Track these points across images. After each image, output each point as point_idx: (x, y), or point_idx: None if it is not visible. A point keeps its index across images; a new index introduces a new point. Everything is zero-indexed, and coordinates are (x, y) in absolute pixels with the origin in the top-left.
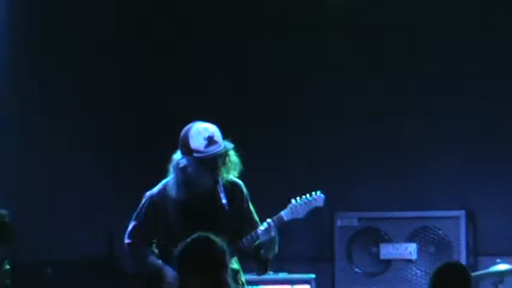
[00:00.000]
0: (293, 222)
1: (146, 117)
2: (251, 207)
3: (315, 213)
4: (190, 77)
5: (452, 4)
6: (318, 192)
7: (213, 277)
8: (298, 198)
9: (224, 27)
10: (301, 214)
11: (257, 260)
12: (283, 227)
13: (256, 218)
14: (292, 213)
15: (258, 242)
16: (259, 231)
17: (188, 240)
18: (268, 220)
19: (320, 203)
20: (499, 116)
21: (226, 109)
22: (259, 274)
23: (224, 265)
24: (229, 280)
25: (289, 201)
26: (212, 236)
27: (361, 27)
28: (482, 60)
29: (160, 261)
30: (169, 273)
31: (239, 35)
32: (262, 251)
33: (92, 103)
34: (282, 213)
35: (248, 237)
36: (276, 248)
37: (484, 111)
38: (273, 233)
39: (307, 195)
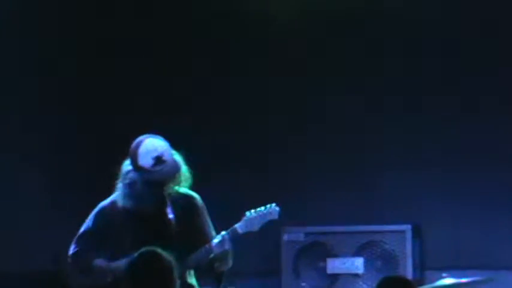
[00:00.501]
0: (247, 235)
1: (91, 136)
2: (207, 219)
3: (261, 228)
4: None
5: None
6: (273, 205)
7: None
8: (252, 211)
9: (172, 27)
10: (256, 227)
11: (211, 274)
12: (242, 238)
13: (212, 230)
14: (246, 226)
15: (212, 255)
16: (213, 244)
17: (135, 255)
18: (223, 233)
19: (275, 216)
20: (441, 130)
21: (188, 109)
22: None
23: (171, 280)
24: None
25: (244, 214)
26: (159, 251)
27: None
28: (424, 79)
29: (106, 262)
30: (119, 268)
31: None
32: (216, 264)
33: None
34: (237, 226)
35: (202, 250)
36: (230, 261)
37: (428, 126)
38: (226, 246)
39: (262, 208)
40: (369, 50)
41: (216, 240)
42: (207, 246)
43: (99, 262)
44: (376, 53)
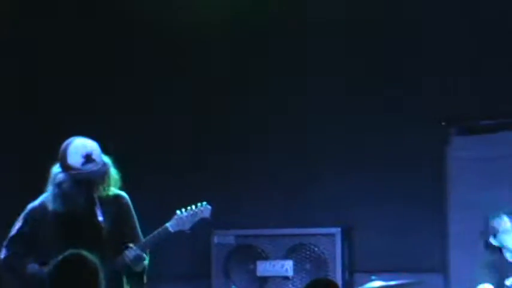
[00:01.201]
0: (179, 234)
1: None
2: (135, 220)
3: (193, 227)
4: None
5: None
6: (204, 203)
7: None
8: (183, 209)
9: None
10: (187, 225)
11: (131, 276)
12: (162, 244)
13: (139, 232)
14: (178, 224)
15: (128, 257)
16: (131, 254)
17: (59, 258)
18: (131, 245)
19: (206, 214)
20: (370, 134)
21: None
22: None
23: (96, 283)
24: None
25: (175, 213)
26: (84, 253)
27: None
28: (366, 79)
29: (38, 267)
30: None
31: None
32: (133, 267)
33: None
34: (168, 224)
35: (128, 252)
36: (143, 261)
37: (360, 130)
38: (138, 252)
39: (193, 206)
40: (310, 52)
41: (130, 249)
42: (132, 247)
43: (32, 267)
44: (317, 55)
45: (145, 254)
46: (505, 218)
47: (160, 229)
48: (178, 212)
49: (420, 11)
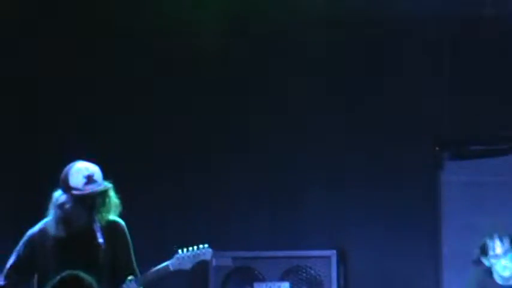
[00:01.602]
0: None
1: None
2: (130, 248)
3: (193, 267)
4: None
5: None
6: (206, 246)
7: None
8: (185, 249)
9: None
10: (188, 266)
11: None
12: (160, 282)
13: (134, 263)
14: (179, 264)
15: None
16: (127, 282)
17: (56, 278)
18: (131, 278)
19: (207, 257)
20: (365, 158)
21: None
22: None
23: None
24: None
25: (176, 252)
26: (81, 274)
27: None
28: (346, 99)
29: None
30: None
31: None
32: None
33: None
34: (169, 263)
35: (126, 284)
36: None
37: (352, 152)
38: (134, 286)
39: (195, 248)
40: (291, 69)
41: (129, 279)
42: (130, 280)
43: None
44: (298, 72)
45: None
46: (498, 243)
47: (160, 267)
48: (180, 251)
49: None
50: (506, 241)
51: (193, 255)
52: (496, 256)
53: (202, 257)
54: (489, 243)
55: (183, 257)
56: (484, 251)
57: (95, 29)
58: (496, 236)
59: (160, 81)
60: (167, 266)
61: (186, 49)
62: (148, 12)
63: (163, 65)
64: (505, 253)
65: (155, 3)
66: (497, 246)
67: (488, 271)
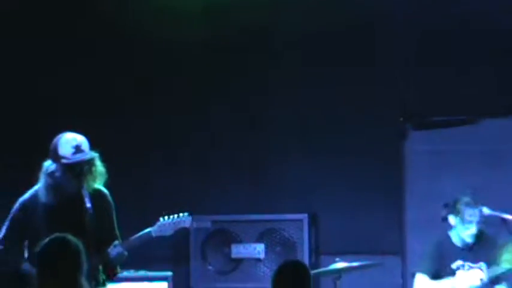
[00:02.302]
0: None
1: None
2: (113, 216)
3: (174, 233)
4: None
5: None
6: (186, 214)
7: (67, 275)
8: (166, 217)
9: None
10: (168, 232)
11: (106, 270)
12: (142, 246)
13: (115, 226)
14: (160, 230)
15: (111, 255)
16: (112, 246)
17: (45, 241)
18: (116, 242)
19: (187, 224)
20: (335, 129)
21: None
22: (107, 279)
23: (78, 264)
24: (83, 280)
25: (158, 219)
26: (68, 237)
27: None
28: (332, 76)
29: (28, 266)
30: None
31: None
32: (111, 264)
33: None
34: (151, 229)
35: (110, 250)
36: (123, 259)
37: (324, 123)
38: (121, 250)
39: (176, 216)
40: (272, 51)
41: (115, 243)
42: (116, 247)
43: (25, 265)
44: (279, 53)
45: (126, 252)
46: (466, 199)
47: (143, 233)
48: (161, 219)
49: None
50: (475, 203)
51: (174, 223)
52: (467, 216)
53: (182, 225)
54: (462, 204)
55: (164, 224)
56: (455, 209)
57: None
58: (467, 196)
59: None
60: (149, 232)
61: None
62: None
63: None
64: (477, 215)
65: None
66: (470, 207)
67: (447, 235)
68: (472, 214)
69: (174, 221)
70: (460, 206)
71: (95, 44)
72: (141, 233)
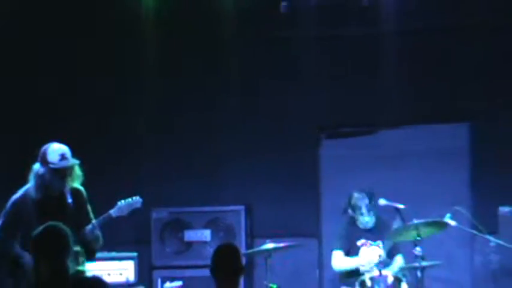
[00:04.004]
0: (120, 218)
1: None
2: (88, 207)
3: (138, 208)
4: None
5: None
6: (137, 197)
7: (57, 257)
8: (123, 200)
9: None
10: (125, 212)
11: (87, 250)
12: (115, 220)
13: (91, 215)
14: (118, 211)
15: (88, 237)
16: (89, 228)
17: (40, 228)
18: (94, 221)
19: (138, 205)
20: (268, 136)
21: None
22: (88, 259)
23: (67, 245)
24: (69, 262)
25: (116, 203)
26: (60, 225)
27: None
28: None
29: (21, 251)
30: (28, 258)
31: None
32: (90, 245)
33: None
34: (111, 211)
35: (87, 232)
36: (101, 242)
37: (257, 133)
38: (96, 231)
39: (130, 199)
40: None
41: (90, 226)
42: (88, 227)
43: (17, 250)
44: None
45: (97, 230)
46: (356, 195)
47: (105, 214)
48: (119, 202)
49: None
50: (366, 197)
51: (128, 204)
52: (359, 208)
53: (135, 205)
54: (353, 197)
55: (122, 206)
56: (350, 204)
57: None
58: (358, 193)
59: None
60: (110, 213)
61: None
62: None
63: None
64: (366, 206)
65: None
66: (359, 198)
67: (352, 219)
68: (362, 203)
69: (128, 203)
70: (353, 200)
71: None
72: (104, 214)
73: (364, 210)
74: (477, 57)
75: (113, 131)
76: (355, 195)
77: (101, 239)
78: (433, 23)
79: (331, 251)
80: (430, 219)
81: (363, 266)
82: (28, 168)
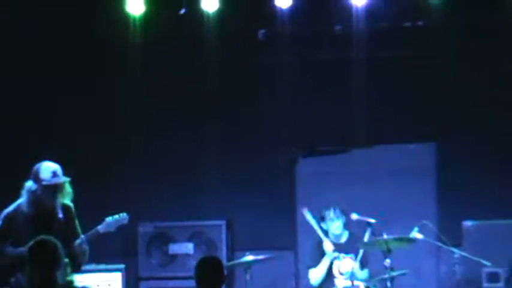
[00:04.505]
0: (107, 233)
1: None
2: (76, 222)
3: (124, 224)
4: None
5: None
6: (125, 213)
7: (48, 268)
8: (111, 217)
9: None
10: (112, 228)
11: (74, 263)
12: (103, 235)
13: (79, 230)
14: (106, 227)
15: (76, 251)
16: (78, 242)
17: (35, 240)
18: (82, 236)
19: (125, 221)
20: (247, 155)
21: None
22: (73, 271)
23: (59, 256)
24: (60, 273)
25: (104, 219)
26: (51, 238)
27: None
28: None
29: (13, 248)
30: (22, 252)
31: None
32: (77, 259)
33: None
34: (99, 227)
35: (75, 246)
36: (87, 257)
37: (238, 152)
38: (84, 246)
39: (117, 216)
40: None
41: (78, 241)
42: (76, 243)
43: (8, 248)
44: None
45: (85, 244)
46: (332, 211)
47: (93, 230)
48: (107, 218)
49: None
50: (338, 210)
51: (116, 221)
52: (331, 220)
53: (122, 222)
54: (326, 212)
55: (109, 222)
56: (323, 218)
57: None
58: (330, 207)
59: None
60: (97, 229)
61: None
62: None
63: None
64: (337, 218)
65: None
66: (331, 213)
67: (326, 233)
68: (335, 217)
69: (115, 219)
70: (326, 213)
71: None
72: (92, 230)
73: (337, 223)
74: (442, 83)
75: (102, 151)
76: (329, 208)
77: (87, 253)
78: (401, 51)
79: (307, 268)
80: (398, 236)
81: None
82: (12, 182)
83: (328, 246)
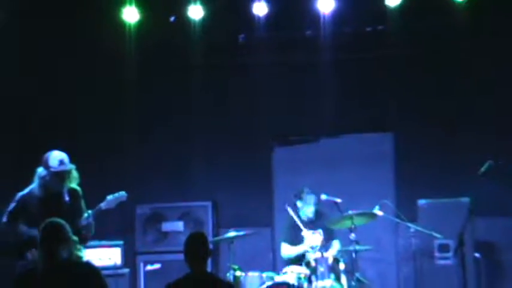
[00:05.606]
0: (109, 210)
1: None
2: (82, 203)
3: (124, 204)
4: None
5: None
6: (123, 192)
7: (55, 247)
8: (111, 195)
9: None
10: (112, 205)
11: (80, 237)
12: (105, 213)
13: (85, 209)
14: (107, 204)
15: (83, 224)
16: (85, 216)
17: (47, 222)
18: (89, 211)
19: (124, 198)
20: (231, 143)
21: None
22: (81, 245)
23: (67, 235)
24: (72, 249)
25: (105, 198)
26: (60, 220)
27: None
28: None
29: (26, 227)
30: (32, 231)
31: None
32: (83, 231)
33: None
34: (101, 204)
35: (82, 221)
36: (93, 230)
37: (222, 140)
38: (90, 220)
39: (117, 194)
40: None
41: (85, 215)
42: (83, 218)
43: (22, 227)
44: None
45: (91, 218)
46: (306, 190)
47: (97, 207)
48: (108, 196)
49: None
50: (313, 194)
51: (115, 198)
52: (308, 205)
53: (121, 199)
54: (305, 193)
55: (110, 200)
56: (299, 197)
57: None
58: (306, 189)
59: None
60: (100, 206)
61: None
62: None
63: None
64: (313, 204)
65: None
66: (308, 198)
67: (296, 213)
68: (310, 199)
69: (115, 196)
70: (303, 194)
71: None
72: (96, 207)
73: (311, 202)
74: (399, 81)
75: (103, 143)
76: (305, 189)
77: (93, 226)
78: (363, 53)
79: (280, 241)
80: (362, 211)
81: (308, 251)
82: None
83: (309, 240)
